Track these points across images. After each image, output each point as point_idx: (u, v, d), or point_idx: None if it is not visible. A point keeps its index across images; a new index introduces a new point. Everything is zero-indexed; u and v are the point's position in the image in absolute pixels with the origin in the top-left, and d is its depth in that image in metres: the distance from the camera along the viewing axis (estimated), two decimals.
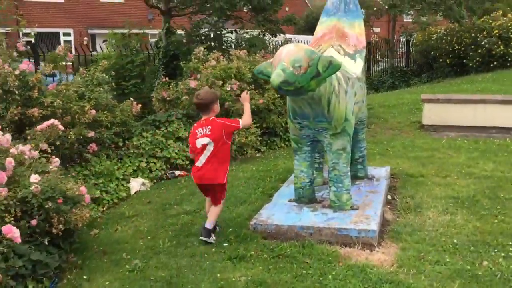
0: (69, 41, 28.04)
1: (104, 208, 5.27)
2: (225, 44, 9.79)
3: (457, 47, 17.03)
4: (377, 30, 39.77)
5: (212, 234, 4.22)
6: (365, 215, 4.38)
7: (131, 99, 6.86)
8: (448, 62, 17.34)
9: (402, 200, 5.08)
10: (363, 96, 5.21)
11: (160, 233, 4.50)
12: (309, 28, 27.86)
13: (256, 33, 10.67)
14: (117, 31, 10.31)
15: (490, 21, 16.38)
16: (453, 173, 5.95)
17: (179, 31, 9.91)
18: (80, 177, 5.51)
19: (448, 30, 18.01)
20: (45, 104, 5.32)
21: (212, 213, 4.28)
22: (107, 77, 6.56)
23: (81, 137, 5.74)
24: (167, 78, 8.19)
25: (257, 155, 7.43)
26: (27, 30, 6.74)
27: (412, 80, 18.52)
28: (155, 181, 6.22)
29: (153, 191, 5.86)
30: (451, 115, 8.63)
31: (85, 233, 4.54)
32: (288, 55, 3.94)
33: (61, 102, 5.47)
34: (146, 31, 22.49)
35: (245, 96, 4.51)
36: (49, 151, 5.12)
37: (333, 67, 3.99)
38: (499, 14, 16.83)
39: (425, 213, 4.69)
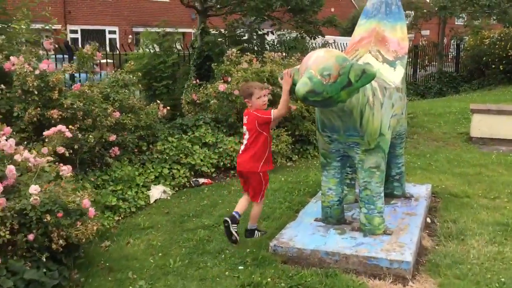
0: (114, 39, 28.47)
1: (120, 217, 4.99)
2: (260, 46, 9.41)
3: (511, 52, 16.02)
4: (425, 33, 38.51)
5: (256, 232, 4.26)
6: (399, 242, 3.90)
7: (158, 101, 6.59)
8: (502, 68, 16.34)
9: (443, 224, 4.56)
10: (402, 108, 4.72)
11: (173, 249, 4.17)
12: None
13: (294, 35, 10.24)
14: (157, 30, 10.12)
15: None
16: (503, 194, 5.35)
17: (215, 32, 9.62)
18: (99, 182, 5.28)
19: (502, 34, 16.98)
20: (65, 105, 5.10)
21: (251, 215, 4.25)
22: (134, 78, 6.30)
23: (103, 140, 5.51)
24: (197, 80, 7.90)
25: (288, 164, 7.02)
26: (57, 27, 6.57)
27: (461, 87, 17.59)
28: (177, 189, 5.92)
29: (173, 200, 5.56)
30: (503, 128, 7.94)
31: (96, 244, 4.28)
32: (316, 62, 3.52)
33: (81, 104, 5.23)
34: (189, 30, 22.50)
35: (286, 79, 3.91)
36: (67, 154, 4.93)
37: (366, 76, 3.54)
38: None
39: (469, 241, 4.16)
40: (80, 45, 19.19)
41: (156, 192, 5.57)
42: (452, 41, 21.37)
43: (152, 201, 5.49)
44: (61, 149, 4.84)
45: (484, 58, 17.16)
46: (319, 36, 9.73)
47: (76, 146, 5.05)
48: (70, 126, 5.11)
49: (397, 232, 4.10)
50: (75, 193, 3.67)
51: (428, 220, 4.67)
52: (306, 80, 3.47)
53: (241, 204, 4.22)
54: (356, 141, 3.99)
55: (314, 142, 7.50)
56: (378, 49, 4.79)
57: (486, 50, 17.06)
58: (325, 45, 10.65)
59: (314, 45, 10.54)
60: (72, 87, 5.57)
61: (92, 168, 5.47)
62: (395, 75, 4.59)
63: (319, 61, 3.54)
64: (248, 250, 4.04)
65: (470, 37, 19.37)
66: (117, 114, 5.73)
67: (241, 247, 4.12)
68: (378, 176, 4.05)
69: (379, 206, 4.07)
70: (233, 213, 4.13)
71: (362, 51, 4.80)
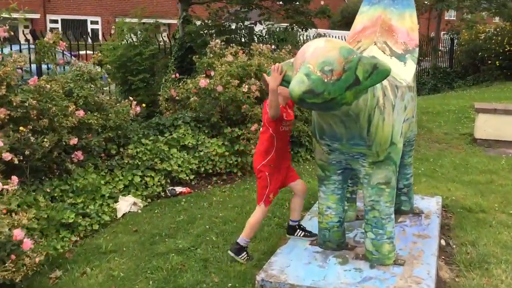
0: (97, 30, 27.41)
1: (79, 238, 4.22)
2: (247, 37, 8.62)
3: (508, 48, 15.43)
4: None
5: (243, 253, 3.67)
6: (414, 276, 3.19)
7: (131, 98, 5.80)
8: (498, 64, 15.74)
9: (461, 248, 3.86)
10: (413, 110, 4.02)
11: (137, 283, 3.42)
12: (345, 23, 26.34)
13: (284, 26, 9.46)
14: (144, 21, 9.27)
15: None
16: None
17: (198, 21, 8.80)
18: (56, 193, 4.49)
19: (498, 29, 16.39)
20: (14, 103, 4.31)
21: (246, 224, 3.71)
22: (100, 71, 5.50)
23: (64, 143, 4.73)
24: (177, 75, 7.11)
25: None
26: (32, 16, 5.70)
27: (455, 83, 16.99)
28: (150, 200, 5.14)
29: (145, 214, 4.79)
30: (511, 129, 7.28)
31: (44, 275, 3.51)
32: (316, 54, 2.79)
33: (35, 101, 4.44)
34: (175, 21, 21.60)
35: (274, 75, 3.20)
36: (16, 162, 4.15)
37: (379, 73, 2.81)
38: None
39: (495, 271, 3.47)
40: None
41: (125, 204, 4.80)
42: (446, 36, 20.76)
43: (119, 215, 4.72)
44: (7, 156, 4.07)
45: (480, 53, 16.54)
46: (311, 28, 8.97)
47: (27, 152, 4.27)
48: (21, 128, 4.34)
49: (410, 262, 3.39)
50: (8, 218, 2.88)
51: (443, 242, 3.97)
52: (303, 77, 2.74)
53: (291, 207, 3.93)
54: (362, 152, 3.27)
55: (307, 144, 6.78)
56: (385, 41, 4.06)
57: (482, 45, 16.45)
58: (316, 37, 9.90)
59: (305, 37, 9.77)
60: (29, 81, 4.77)
61: (50, 177, 4.68)
62: (406, 71, 3.89)
63: (319, 54, 2.81)
64: (230, 284, 3.31)
65: (464, 32, 18.75)
66: (80, 113, 4.94)
67: (222, 279, 3.38)
68: (388, 194, 3.33)
69: (388, 231, 3.35)
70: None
71: (366, 43, 4.07)
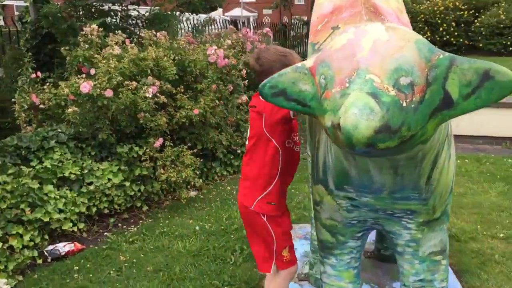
0: None
1: None
2: (123, 19, 6.82)
3: None
4: (268, 11, 38.12)
5: None
6: None
7: None
8: None
9: None
10: None
11: None
12: None
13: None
14: None
15: (414, 4, 15.05)
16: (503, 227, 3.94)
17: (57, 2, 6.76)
18: None
19: None
20: None
21: None
22: None
23: None
24: (39, 73, 5.17)
25: (192, 194, 4.83)
26: None
27: None
28: (21, 274, 3.34)
29: None
30: None
31: None
32: (380, 54, 1.51)
33: None
34: (11, 2, 18.15)
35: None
36: None
37: (495, 86, 1.55)
38: None
39: None
40: None
41: None
42: (296, 21, 20.57)
43: None
44: None
45: None
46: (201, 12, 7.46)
47: None
48: None
49: None
50: None
51: None
52: (368, 100, 1.41)
53: None
54: (411, 208, 2.03)
55: (221, 157, 5.41)
56: None
57: None
58: (208, 23, 8.36)
59: (194, 21, 8.18)
60: None
61: None
62: None
63: (386, 53, 1.52)
64: None
65: None
66: None
67: None
68: (444, 267, 2.16)
69: None
70: None
71: None
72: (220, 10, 22.89)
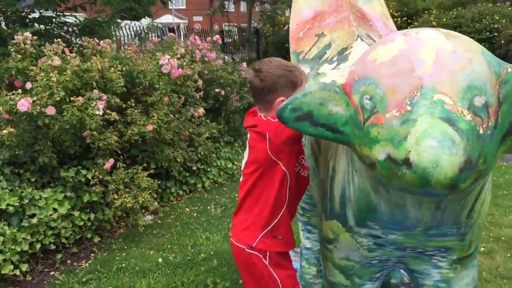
0: None
1: None
2: (58, 28, 6.15)
3: None
4: (198, 19, 37.71)
5: None
6: None
7: None
8: None
9: None
10: None
11: None
12: None
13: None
14: None
15: None
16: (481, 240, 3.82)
17: None
18: None
19: None
20: None
21: None
22: None
23: None
24: None
25: (147, 219, 4.35)
26: None
27: None
28: None
29: None
30: None
31: None
32: (448, 69, 1.20)
33: None
34: None
35: None
36: None
37: None
38: None
39: None
40: None
41: None
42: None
43: None
44: None
45: (286, 45, 16.51)
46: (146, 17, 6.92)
47: None
48: None
49: None
50: None
51: None
52: (448, 130, 1.10)
53: None
54: (445, 245, 1.75)
55: (175, 175, 4.96)
56: (368, 34, 2.60)
57: (286, 36, 16.44)
58: (151, 30, 7.72)
59: (136, 28, 7.58)
60: None
61: None
62: None
63: (454, 66, 1.22)
64: None
65: (266, 23, 18.64)
66: None
67: None
68: None
69: None
70: None
71: (339, 37, 2.56)
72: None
